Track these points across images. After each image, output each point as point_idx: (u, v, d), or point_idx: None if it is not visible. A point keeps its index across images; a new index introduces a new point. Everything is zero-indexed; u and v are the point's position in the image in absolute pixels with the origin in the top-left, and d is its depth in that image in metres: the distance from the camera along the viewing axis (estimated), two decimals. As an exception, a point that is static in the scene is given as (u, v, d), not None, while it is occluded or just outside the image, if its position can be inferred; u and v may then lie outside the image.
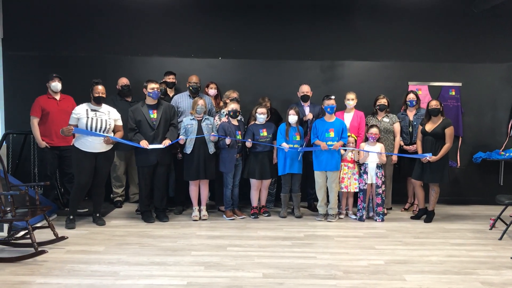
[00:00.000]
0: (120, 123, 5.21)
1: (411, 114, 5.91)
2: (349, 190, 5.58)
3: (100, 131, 4.95)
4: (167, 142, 5.14)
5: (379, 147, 5.50)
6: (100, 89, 5.01)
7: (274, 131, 5.59)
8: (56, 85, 5.53)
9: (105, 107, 5.11)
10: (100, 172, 5.10)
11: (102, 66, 6.39)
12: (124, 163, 6.13)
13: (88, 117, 4.93)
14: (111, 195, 6.19)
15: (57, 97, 5.59)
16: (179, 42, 6.52)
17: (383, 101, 5.82)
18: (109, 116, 5.07)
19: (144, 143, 5.07)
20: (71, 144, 5.05)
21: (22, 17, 6.35)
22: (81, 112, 4.93)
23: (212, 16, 6.48)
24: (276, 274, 3.71)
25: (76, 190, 5.06)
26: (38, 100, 5.52)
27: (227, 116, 5.51)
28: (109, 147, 5.10)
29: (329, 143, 5.36)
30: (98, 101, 5.02)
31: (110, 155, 5.22)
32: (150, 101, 5.26)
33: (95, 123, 4.93)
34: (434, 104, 5.36)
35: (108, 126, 5.03)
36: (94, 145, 4.95)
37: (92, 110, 4.99)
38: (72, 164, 5.12)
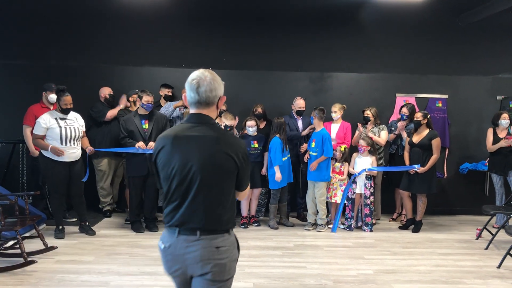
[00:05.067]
0: (84, 129, 5.22)
1: (401, 125, 5.97)
2: (333, 201, 5.63)
3: (73, 139, 4.94)
4: None
5: (371, 159, 5.57)
6: (69, 100, 4.96)
7: (265, 143, 5.64)
8: (54, 97, 5.48)
9: (72, 114, 5.08)
10: (75, 181, 5.07)
11: (93, 76, 6.38)
12: (111, 172, 6.09)
13: (60, 126, 4.90)
14: (100, 205, 6.15)
15: (51, 107, 5.57)
16: (170, 52, 6.54)
17: (366, 113, 5.92)
18: (78, 122, 5.09)
19: (141, 144, 5.09)
20: (39, 152, 5.03)
21: (12, 26, 6.34)
22: (50, 121, 4.89)
23: (203, 27, 6.53)
24: (266, 284, 3.74)
25: (55, 201, 5.04)
26: (32, 109, 5.49)
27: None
28: (79, 155, 5.08)
29: (311, 153, 5.51)
30: (67, 112, 4.99)
31: (82, 163, 5.20)
32: (142, 111, 5.27)
33: (69, 131, 4.93)
34: (418, 116, 5.48)
35: (80, 134, 5.05)
36: (68, 154, 4.92)
37: (61, 118, 4.97)
38: (45, 175, 5.05)
